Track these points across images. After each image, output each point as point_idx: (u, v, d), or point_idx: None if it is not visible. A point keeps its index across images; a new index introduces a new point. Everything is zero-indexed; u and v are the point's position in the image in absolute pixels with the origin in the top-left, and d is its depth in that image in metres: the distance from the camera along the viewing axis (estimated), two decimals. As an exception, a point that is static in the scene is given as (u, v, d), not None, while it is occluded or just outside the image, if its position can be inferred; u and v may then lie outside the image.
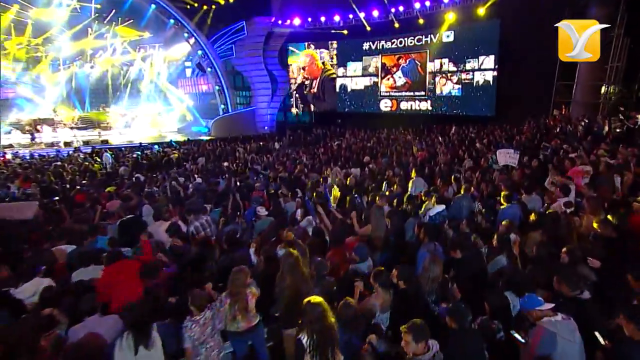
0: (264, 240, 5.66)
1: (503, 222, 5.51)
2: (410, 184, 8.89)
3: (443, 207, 6.54)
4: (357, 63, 26.57)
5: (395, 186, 8.89)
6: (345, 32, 25.72)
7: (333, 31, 26.02)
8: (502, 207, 6.52)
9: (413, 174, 9.43)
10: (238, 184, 10.55)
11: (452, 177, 8.94)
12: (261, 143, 22.19)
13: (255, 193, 8.98)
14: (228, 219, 7.33)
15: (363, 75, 26.46)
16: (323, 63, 27.35)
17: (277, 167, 12.99)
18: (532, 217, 5.77)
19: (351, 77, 26.90)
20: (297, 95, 28.70)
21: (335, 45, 27.04)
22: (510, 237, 5.02)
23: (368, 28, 25.05)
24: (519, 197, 6.99)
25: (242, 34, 27.31)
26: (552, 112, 17.77)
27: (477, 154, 12.13)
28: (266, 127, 29.52)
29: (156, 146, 22.79)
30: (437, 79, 23.48)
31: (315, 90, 28.08)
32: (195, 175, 12.56)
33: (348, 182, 9.58)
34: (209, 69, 28.78)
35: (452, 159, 11.84)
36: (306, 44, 27.50)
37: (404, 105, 25.17)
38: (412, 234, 5.77)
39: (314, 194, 7.94)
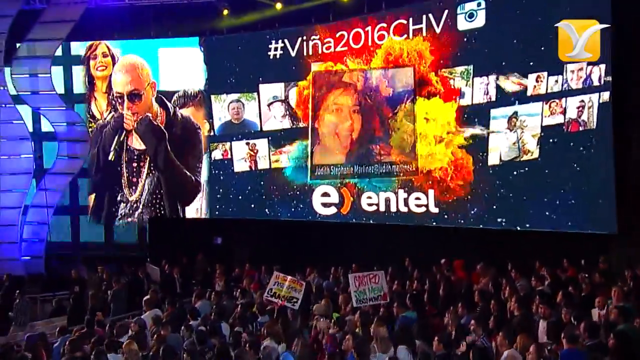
0: None
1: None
2: None
3: None
4: (253, 95, 14.93)
5: None
6: (225, 11, 14.87)
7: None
8: None
9: None
10: None
11: None
12: None
13: None
14: None
15: (264, 133, 15.09)
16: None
17: None
18: None
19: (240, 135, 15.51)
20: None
21: (199, 51, 15.78)
22: None
23: (278, 6, 14.32)
24: None
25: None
26: None
27: None
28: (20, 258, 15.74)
29: None
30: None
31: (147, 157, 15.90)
32: None
33: None
34: None
35: None
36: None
37: (369, 202, 13.94)
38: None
39: None
